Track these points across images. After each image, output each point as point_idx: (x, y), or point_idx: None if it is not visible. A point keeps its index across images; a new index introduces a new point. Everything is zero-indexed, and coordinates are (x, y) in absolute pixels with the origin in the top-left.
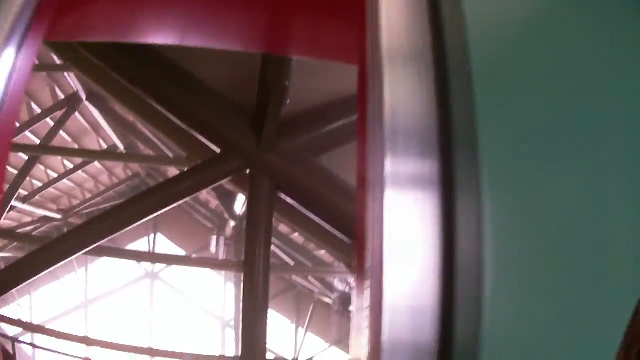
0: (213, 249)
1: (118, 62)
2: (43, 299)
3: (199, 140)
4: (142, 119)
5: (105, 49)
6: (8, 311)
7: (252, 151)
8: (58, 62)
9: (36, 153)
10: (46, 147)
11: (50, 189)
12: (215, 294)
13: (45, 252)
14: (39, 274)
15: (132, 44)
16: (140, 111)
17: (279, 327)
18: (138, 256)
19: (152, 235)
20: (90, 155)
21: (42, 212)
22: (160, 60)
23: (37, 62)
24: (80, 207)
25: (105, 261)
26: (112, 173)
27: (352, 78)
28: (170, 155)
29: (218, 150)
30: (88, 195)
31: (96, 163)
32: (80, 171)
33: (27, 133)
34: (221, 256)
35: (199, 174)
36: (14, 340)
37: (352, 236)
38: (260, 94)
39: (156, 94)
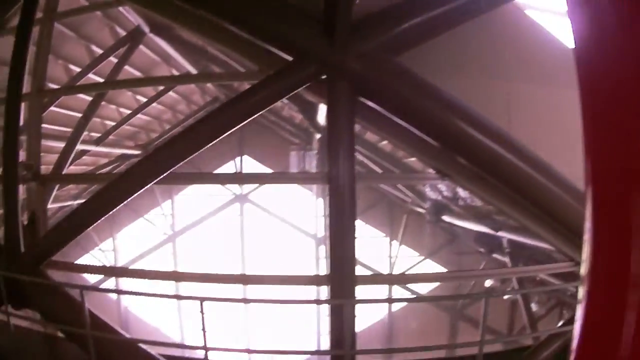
0: (303, 164)
1: None
2: (127, 239)
3: (271, 52)
4: (209, 40)
5: None
6: (89, 259)
7: (325, 55)
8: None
9: (99, 90)
10: (110, 82)
11: (125, 127)
12: (307, 212)
13: (122, 182)
14: (117, 206)
15: None
16: (206, 32)
17: (373, 240)
18: (221, 178)
19: (238, 158)
20: (157, 82)
21: (118, 151)
22: None
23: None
24: (160, 140)
25: (190, 191)
26: (189, 101)
27: None
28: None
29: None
30: (167, 127)
31: (172, 93)
32: (155, 104)
33: (91, 75)
34: (311, 171)
35: (273, 83)
36: (82, 288)
37: (440, 139)
38: None
39: (220, 10)
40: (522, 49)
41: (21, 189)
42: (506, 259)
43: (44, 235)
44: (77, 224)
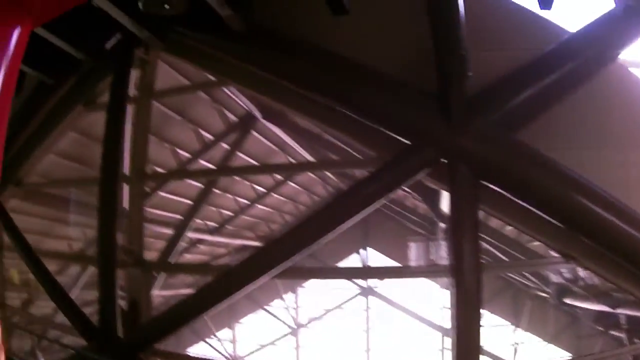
0: (427, 256)
1: (285, 68)
2: (247, 330)
3: (388, 137)
4: (324, 125)
5: (268, 56)
6: (203, 348)
7: (443, 136)
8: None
9: (204, 176)
10: (215, 169)
11: (244, 217)
12: (433, 303)
13: (234, 275)
14: (227, 299)
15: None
16: (320, 116)
17: (496, 328)
18: (342, 273)
19: (362, 251)
20: (266, 170)
21: (238, 242)
22: (329, 56)
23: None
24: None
25: (314, 283)
26: (311, 192)
27: (535, 37)
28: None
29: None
30: (288, 218)
31: (292, 184)
32: (275, 194)
33: (202, 162)
34: (437, 262)
35: (390, 170)
36: None
37: (564, 218)
38: (439, 71)
39: (333, 92)
40: (630, 111)
41: (123, 273)
42: (623, 335)
43: (145, 323)
44: (184, 314)
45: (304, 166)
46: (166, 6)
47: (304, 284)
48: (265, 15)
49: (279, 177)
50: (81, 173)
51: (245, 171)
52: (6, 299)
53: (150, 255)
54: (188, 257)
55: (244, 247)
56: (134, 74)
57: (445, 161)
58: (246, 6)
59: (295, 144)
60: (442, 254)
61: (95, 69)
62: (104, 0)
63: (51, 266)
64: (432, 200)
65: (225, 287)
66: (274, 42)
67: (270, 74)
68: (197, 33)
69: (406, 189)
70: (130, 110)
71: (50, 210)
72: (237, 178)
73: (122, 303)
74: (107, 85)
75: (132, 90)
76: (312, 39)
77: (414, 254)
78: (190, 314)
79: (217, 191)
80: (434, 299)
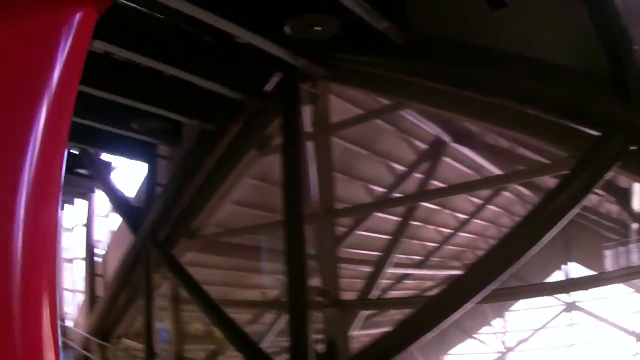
0: (624, 260)
1: (460, 76)
2: (457, 358)
3: (576, 133)
4: (507, 129)
5: (437, 67)
6: None
7: (627, 120)
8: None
9: (400, 204)
10: (409, 196)
11: (449, 247)
12: (627, 309)
13: (435, 305)
14: (430, 331)
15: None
16: (504, 122)
17: None
18: (544, 289)
19: (564, 267)
20: (459, 190)
21: (444, 273)
22: (501, 55)
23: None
24: None
25: (521, 306)
26: (511, 212)
27: None
28: None
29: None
30: (493, 242)
31: (492, 207)
32: (475, 220)
33: (396, 195)
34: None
35: (584, 168)
36: None
37: None
38: (606, 51)
39: (515, 93)
40: None
41: (320, 315)
42: None
43: None
44: (384, 350)
45: (493, 180)
46: (316, 28)
47: (511, 308)
48: (422, 23)
49: (477, 201)
50: (262, 220)
51: (432, 195)
52: (187, 351)
53: (352, 296)
54: (394, 294)
55: (451, 278)
56: (306, 111)
57: (635, 148)
58: (401, 15)
59: (489, 164)
60: (635, 256)
61: (261, 111)
62: (251, 34)
63: (244, 316)
64: (622, 198)
65: (426, 318)
66: (437, 49)
67: (445, 85)
68: (357, 55)
69: (598, 191)
70: (309, 148)
71: (239, 261)
72: (436, 207)
73: (319, 346)
74: (277, 126)
75: (307, 128)
76: (478, 40)
77: (611, 261)
78: (391, 349)
79: (416, 223)
80: (628, 305)
